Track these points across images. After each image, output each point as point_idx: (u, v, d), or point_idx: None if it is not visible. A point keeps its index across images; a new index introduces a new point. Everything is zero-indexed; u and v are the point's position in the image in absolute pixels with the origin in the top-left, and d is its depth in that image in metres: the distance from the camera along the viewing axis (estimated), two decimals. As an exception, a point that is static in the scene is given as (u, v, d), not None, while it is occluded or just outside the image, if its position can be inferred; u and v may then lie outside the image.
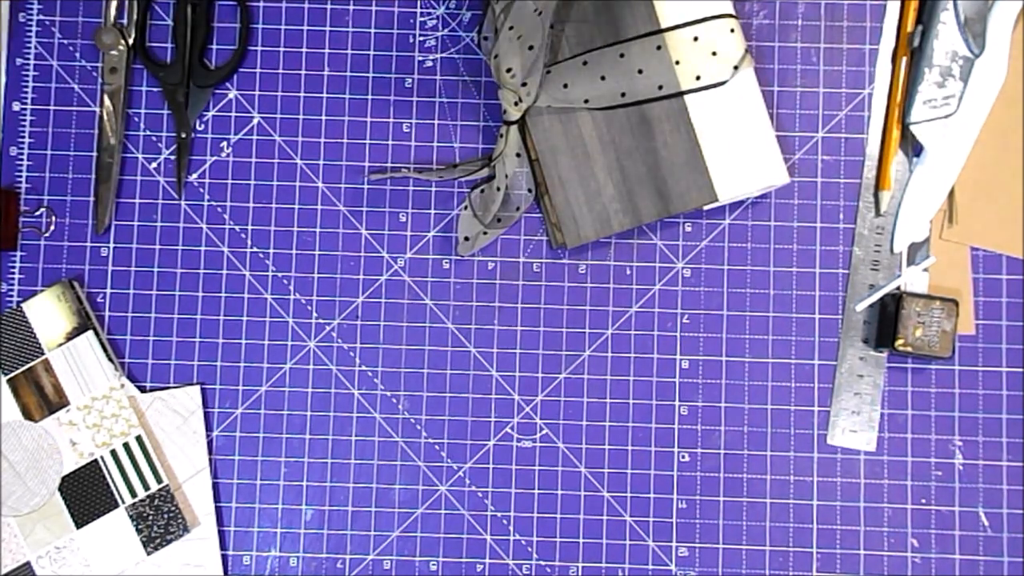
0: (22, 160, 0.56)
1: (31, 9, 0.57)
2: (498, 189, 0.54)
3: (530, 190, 0.55)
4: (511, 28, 0.51)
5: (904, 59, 0.55)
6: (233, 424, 0.55)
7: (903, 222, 0.55)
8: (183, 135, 0.56)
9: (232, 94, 0.57)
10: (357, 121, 0.56)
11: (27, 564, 0.54)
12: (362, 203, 0.56)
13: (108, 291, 0.56)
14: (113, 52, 0.56)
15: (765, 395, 0.55)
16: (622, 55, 0.53)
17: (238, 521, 0.55)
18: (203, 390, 0.55)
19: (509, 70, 0.52)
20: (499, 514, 0.55)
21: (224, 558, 0.54)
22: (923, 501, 0.54)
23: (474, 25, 0.57)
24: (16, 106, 0.57)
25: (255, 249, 0.56)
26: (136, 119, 0.57)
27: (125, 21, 0.57)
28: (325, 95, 0.57)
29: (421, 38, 0.57)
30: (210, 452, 0.55)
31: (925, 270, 0.55)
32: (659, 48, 0.53)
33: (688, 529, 0.54)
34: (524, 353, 0.55)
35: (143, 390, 0.55)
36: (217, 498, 0.55)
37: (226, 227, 0.56)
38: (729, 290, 0.56)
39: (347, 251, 0.56)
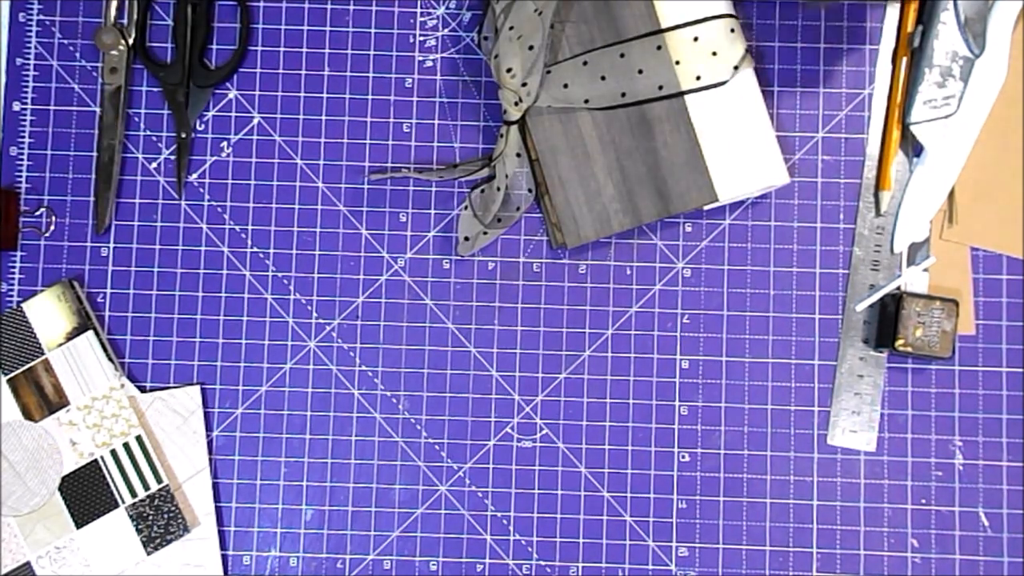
0: (22, 160, 0.56)
1: (31, 9, 0.57)
2: (498, 189, 0.54)
3: (530, 190, 0.55)
4: (511, 28, 0.51)
5: (904, 59, 0.55)
6: (233, 424, 0.55)
7: (903, 222, 0.55)
8: (183, 135, 0.56)
9: (232, 94, 0.57)
10: (357, 121, 0.56)
11: (27, 564, 0.54)
12: (362, 203, 0.56)
13: (108, 291, 0.56)
14: (113, 52, 0.56)
15: (765, 395, 0.55)
16: (622, 55, 0.53)
17: (238, 521, 0.55)
18: (203, 390, 0.55)
19: (509, 70, 0.52)
20: (499, 514, 0.55)
21: (224, 558, 0.54)
22: (923, 501, 0.54)
23: (474, 25, 0.57)
24: (16, 106, 0.57)
25: (255, 249, 0.56)
26: (136, 119, 0.57)
27: (125, 21, 0.57)
28: (325, 95, 0.57)
29: (421, 38, 0.57)
30: (210, 452, 0.55)
31: (925, 270, 0.55)
32: (659, 48, 0.53)
33: (688, 529, 0.54)
34: (524, 353, 0.55)
35: (143, 390, 0.55)
36: (217, 498, 0.55)
37: (226, 227, 0.56)
38: (729, 290, 0.56)
39: (347, 251, 0.56)
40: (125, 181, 0.57)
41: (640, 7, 0.53)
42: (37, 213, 0.56)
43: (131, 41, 0.56)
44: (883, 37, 0.56)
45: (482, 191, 0.55)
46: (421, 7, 0.57)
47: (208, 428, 0.55)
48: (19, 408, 0.55)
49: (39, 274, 0.56)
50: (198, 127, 0.57)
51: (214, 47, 0.57)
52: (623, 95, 0.53)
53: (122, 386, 0.55)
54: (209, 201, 0.56)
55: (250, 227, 0.56)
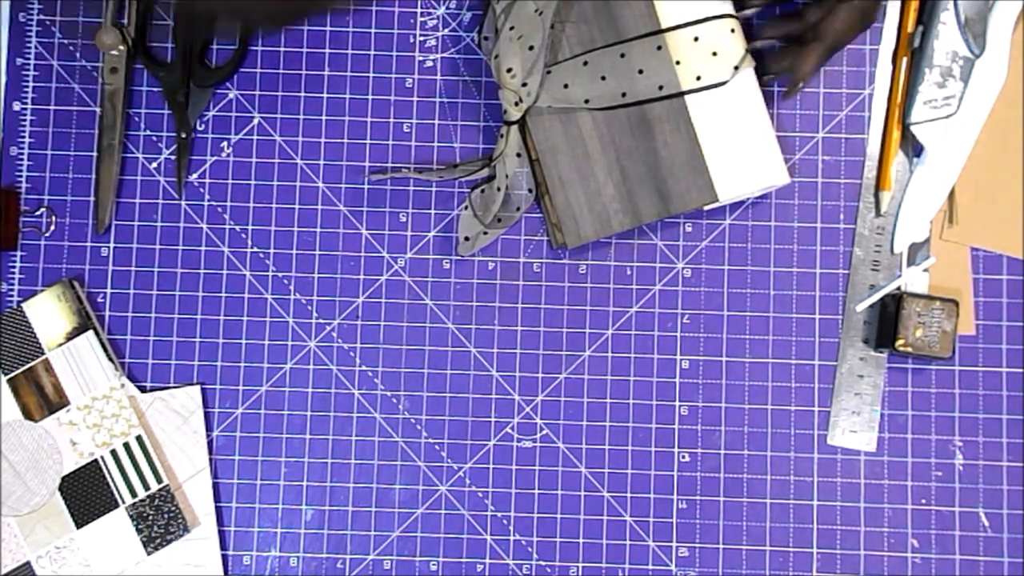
0: (22, 160, 0.56)
1: (31, 9, 0.57)
2: (498, 189, 0.54)
3: (530, 190, 0.55)
4: (511, 28, 0.51)
5: (904, 59, 0.55)
6: (233, 424, 0.55)
7: (903, 222, 0.55)
8: (183, 135, 0.56)
9: (232, 94, 0.57)
10: (357, 121, 0.56)
11: (27, 564, 0.54)
12: (362, 203, 0.56)
13: (108, 291, 0.56)
14: (113, 52, 0.56)
15: (765, 395, 0.55)
16: (622, 55, 0.53)
17: (238, 521, 0.55)
18: (203, 390, 0.55)
19: (509, 70, 0.52)
20: (499, 514, 0.55)
21: (224, 558, 0.54)
22: (923, 501, 0.54)
23: (474, 25, 0.57)
24: (16, 106, 0.57)
25: (255, 249, 0.56)
26: (136, 119, 0.57)
27: (125, 21, 0.57)
28: (325, 95, 0.57)
29: (421, 38, 0.57)
30: (210, 452, 0.55)
31: (925, 270, 0.55)
32: (659, 48, 0.53)
33: (688, 529, 0.54)
34: (524, 353, 0.55)
35: (143, 390, 0.55)
36: (217, 498, 0.55)
37: (226, 227, 0.56)
38: (729, 290, 0.56)
39: (347, 251, 0.56)
40: (125, 181, 0.57)
41: (640, 7, 0.53)
42: (37, 213, 0.56)
43: (131, 41, 0.56)
44: (883, 37, 0.56)
45: (482, 191, 0.55)
46: (421, 7, 0.57)
47: (208, 428, 0.55)
48: (19, 408, 0.55)
49: (39, 274, 0.56)
50: (198, 127, 0.57)
51: (214, 47, 0.57)
52: (623, 95, 0.53)
53: (122, 386, 0.55)
54: (209, 201, 0.56)
55: (250, 227, 0.56)
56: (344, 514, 0.55)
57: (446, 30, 0.57)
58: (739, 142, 0.53)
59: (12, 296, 0.56)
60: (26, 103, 0.57)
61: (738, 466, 0.55)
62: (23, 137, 0.56)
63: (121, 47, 0.56)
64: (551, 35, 0.53)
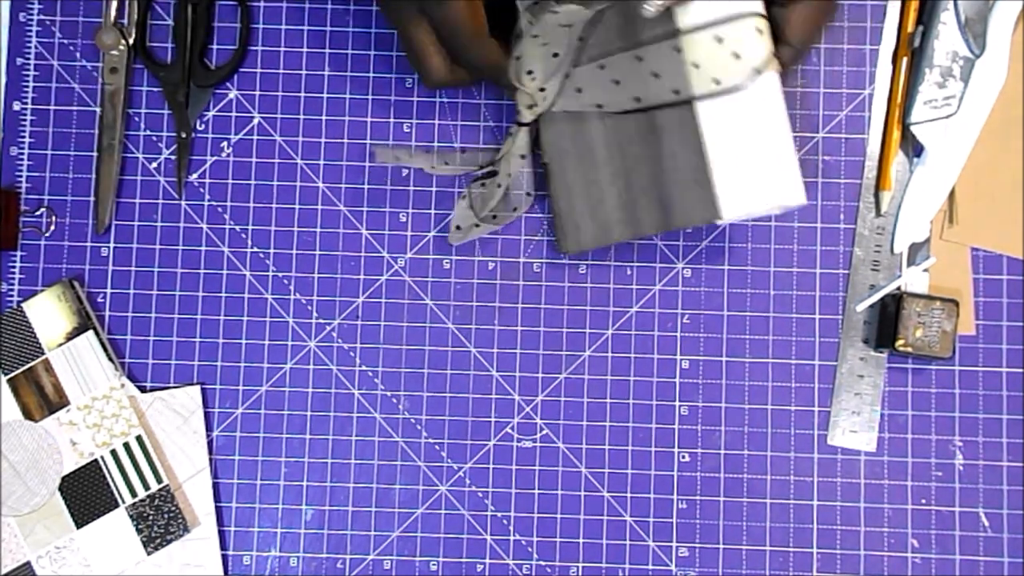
0: (22, 160, 0.56)
1: (31, 9, 0.57)
2: (499, 186, 0.53)
3: (529, 193, 0.55)
4: (535, 36, 0.50)
5: (904, 59, 0.55)
6: (233, 424, 0.55)
7: (903, 222, 0.55)
8: (183, 135, 0.56)
9: (232, 94, 0.57)
10: (357, 121, 0.56)
11: (27, 564, 0.54)
12: (362, 203, 0.56)
13: (108, 291, 0.56)
14: (113, 52, 0.56)
15: (765, 395, 0.55)
16: (639, 58, 0.50)
17: (238, 521, 0.55)
18: (203, 390, 0.55)
19: (530, 72, 0.51)
20: (499, 514, 0.55)
21: (224, 558, 0.54)
22: (923, 501, 0.54)
23: (474, 25, 0.57)
24: (16, 106, 0.57)
25: (255, 249, 0.56)
26: (136, 119, 0.57)
27: (125, 21, 0.57)
28: (325, 95, 0.57)
29: (421, 38, 0.57)
30: (210, 452, 0.55)
31: (925, 270, 0.55)
32: (678, 51, 0.50)
33: (688, 529, 0.54)
34: (524, 353, 0.55)
35: (143, 390, 0.55)
36: (217, 498, 0.55)
37: (226, 227, 0.56)
38: (729, 290, 0.56)
39: (347, 251, 0.56)
40: (125, 181, 0.57)
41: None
42: (37, 213, 0.56)
43: (131, 41, 0.56)
44: (883, 37, 0.56)
45: (483, 185, 0.55)
46: (421, 7, 0.57)
47: (208, 428, 0.55)
48: (19, 408, 0.55)
49: (39, 274, 0.56)
50: (198, 127, 0.57)
51: (214, 47, 0.57)
52: (637, 100, 0.51)
53: (122, 386, 0.55)
54: (209, 201, 0.56)
55: (250, 227, 0.56)
56: (344, 514, 0.55)
57: (446, 30, 0.57)
58: (752, 155, 0.50)
59: (12, 296, 0.56)
60: (26, 103, 0.57)
61: (738, 466, 0.55)
62: (23, 137, 0.56)
63: (121, 47, 0.56)
64: (577, 45, 0.52)
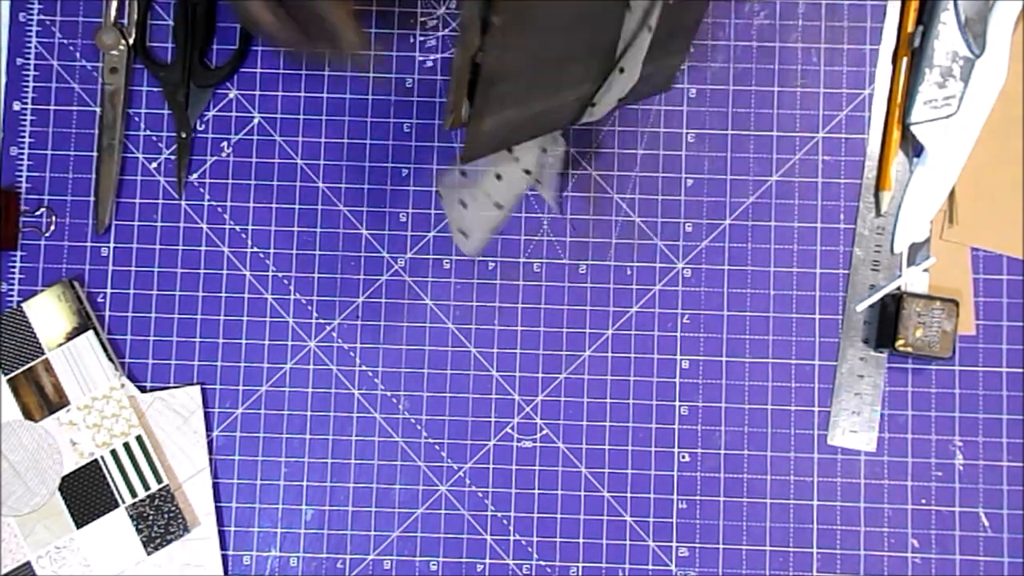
0: (22, 160, 0.56)
1: (31, 9, 0.57)
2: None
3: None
4: None
5: (904, 59, 0.55)
6: (233, 424, 0.55)
7: (903, 222, 0.55)
8: (183, 135, 0.56)
9: (232, 94, 0.57)
10: (357, 121, 0.56)
11: (27, 564, 0.54)
12: (362, 203, 0.56)
13: (108, 291, 0.56)
14: (113, 52, 0.56)
15: (765, 395, 0.55)
16: None
17: (238, 521, 0.55)
18: (203, 390, 0.55)
19: None
20: (499, 514, 0.55)
21: (224, 558, 0.54)
22: (923, 501, 0.54)
23: (474, 25, 0.57)
24: (16, 106, 0.57)
25: (255, 249, 0.56)
26: (136, 119, 0.57)
27: (125, 21, 0.57)
28: (325, 95, 0.57)
29: (421, 38, 0.57)
30: (210, 452, 0.55)
31: (925, 270, 0.55)
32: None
33: (688, 529, 0.54)
34: (524, 353, 0.55)
35: (143, 390, 0.55)
36: (217, 498, 0.55)
37: (226, 227, 0.56)
38: (729, 290, 0.56)
39: (347, 251, 0.56)
40: (125, 181, 0.57)
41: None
42: (37, 213, 0.56)
43: (131, 41, 0.56)
44: (883, 37, 0.56)
45: (463, 174, 0.51)
46: (421, 7, 0.57)
47: (208, 428, 0.55)
48: (19, 408, 0.55)
49: (39, 274, 0.56)
50: (198, 127, 0.57)
51: (214, 47, 0.57)
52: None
53: (122, 386, 0.55)
54: (209, 201, 0.56)
55: (250, 227, 0.56)
56: (344, 514, 0.55)
57: (446, 30, 0.57)
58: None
59: (12, 296, 0.56)
60: (26, 103, 0.57)
61: (738, 466, 0.55)
62: (23, 137, 0.56)
63: (121, 47, 0.56)
64: None
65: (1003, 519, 0.54)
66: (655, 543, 0.54)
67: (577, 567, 0.54)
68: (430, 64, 0.57)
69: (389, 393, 0.55)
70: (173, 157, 0.57)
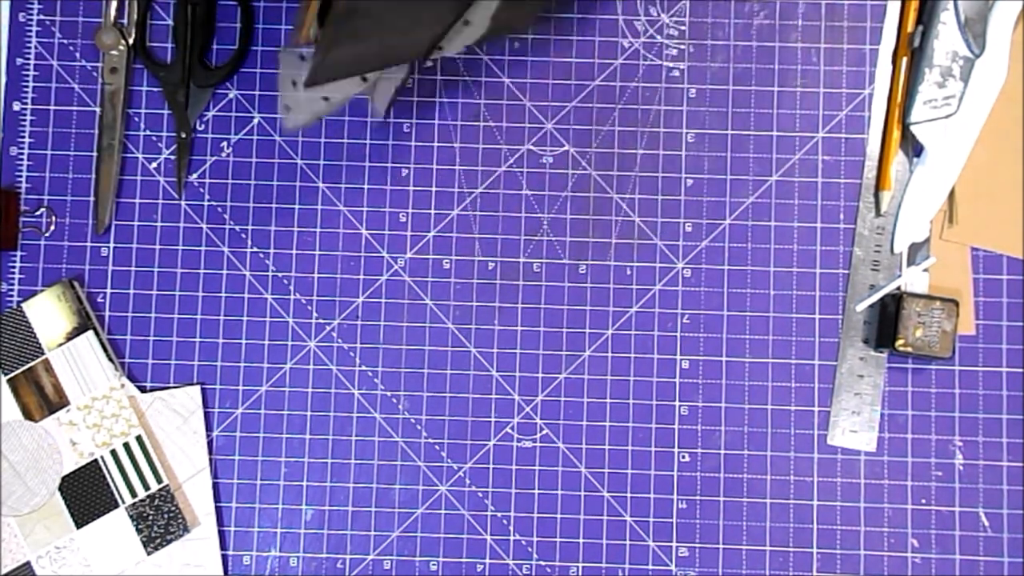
0: (22, 160, 0.56)
1: (31, 9, 0.57)
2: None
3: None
4: None
5: (904, 59, 0.55)
6: (233, 424, 0.55)
7: (903, 222, 0.55)
8: (183, 135, 0.56)
9: (232, 94, 0.57)
10: (357, 121, 0.56)
11: (27, 564, 0.54)
12: (362, 203, 0.56)
13: (108, 291, 0.56)
14: (113, 52, 0.56)
15: (765, 395, 0.55)
16: None
17: (238, 521, 0.55)
18: (203, 390, 0.55)
19: None
20: (499, 514, 0.55)
21: (224, 558, 0.54)
22: (923, 501, 0.54)
23: (474, 25, 0.57)
24: (16, 106, 0.57)
25: (255, 249, 0.56)
26: (136, 119, 0.57)
27: (125, 21, 0.57)
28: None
29: (421, 38, 0.57)
30: (210, 452, 0.55)
31: (925, 270, 0.55)
32: None
33: (688, 529, 0.54)
34: (524, 353, 0.55)
35: (143, 390, 0.55)
36: (217, 498, 0.55)
37: (226, 227, 0.56)
38: (729, 290, 0.56)
39: (347, 251, 0.56)
40: (125, 181, 0.57)
41: None
42: (37, 213, 0.56)
43: (131, 41, 0.56)
44: (883, 37, 0.56)
45: (302, 58, 0.50)
46: (421, 7, 0.57)
47: (208, 428, 0.55)
48: (19, 408, 0.55)
49: (39, 274, 0.56)
50: (198, 127, 0.57)
51: (214, 47, 0.57)
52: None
53: (122, 386, 0.55)
54: (209, 201, 0.56)
55: (250, 227, 0.56)
56: (344, 514, 0.55)
57: (446, 30, 0.57)
58: None
59: (12, 296, 0.56)
60: (26, 103, 0.57)
61: (738, 466, 0.55)
62: (23, 137, 0.56)
63: (121, 47, 0.56)
64: None
65: (1003, 519, 0.54)
66: (655, 543, 0.54)
67: (577, 567, 0.54)
68: (430, 64, 0.57)
69: (389, 393, 0.55)
70: (173, 157, 0.57)
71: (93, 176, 0.56)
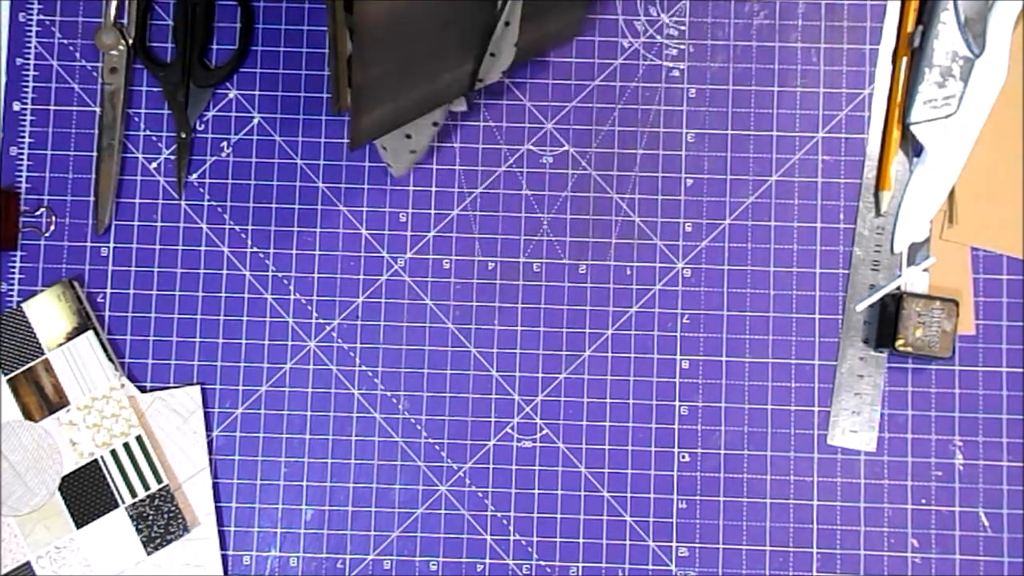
0: (22, 160, 0.56)
1: (31, 9, 0.57)
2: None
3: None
4: None
5: (904, 59, 0.55)
6: (233, 424, 0.55)
7: (903, 222, 0.55)
8: (183, 135, 0.56)
9: (232, 94, 0.57)
10: (357, 121, 0.56)
11: (27, 564, 0.54)
12: (362, 203, 0.56)
13: (108, 291, 0.56)
14: (113, 52, 0.56)
15: (765, 395, 0.55)
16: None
17: (238, 521, 0.55)
18: (203, 390, 0.55)
19: None
20: (499, 514, 0.55)
21: (224, 558, 0.54)
22: (923, 501, 0.54)
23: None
24: (16, 106, 0.57)
25: (255, 249, 0.56)
26: (136, 119, 0.57)
27: (125, 21, 0.57)
28: (325, 95, 0.57)
29: (421, 38, 0.57)
30: (210, 452, 0.55)
31: (925, 270, 0.55)
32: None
33: (688, 529, 0.54)
34: (524, 353, 0.55)
35: (143, 390, 0.55)
36: (217, 498, 0.55)
37: (226, 227, 0.56)
38: (729, 290, 0.56)
39: (347, 251, 0.56)
40: (125, 181, 0.57)
41: None
42: (37, 213, 0.56)
43: (131, 41, 0.56)
44: (883, 37, 0.56)
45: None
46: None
47: (208, 428, 0.55)
48: (19, 408, 0.55)
49: (39, 274, 0.56)
50: (198, 127, 0.57)
51: (214, 47, 0.57)
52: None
53: (122, 386, 0.55)
54: (209, 201, 0.56)
55: (250, 227, 0.56)
56: (344, 514, 0.55)
57: (446, 30, 0.57)
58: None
59: (12, 296, 0.56)
60: (26, 103, 0.57)
61: (738, 466, 0.55)
62: (23, 137, 0.56)
63: (121, 47, 0.56)
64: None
65: (1003, 519, 0.54)
66: (655, 543, 0.54)
67: (577, 567, 0.54)
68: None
69: (389, 393, 0.55)
70: (173, 157, 0.57)
71: (93, 176, 0.56)
